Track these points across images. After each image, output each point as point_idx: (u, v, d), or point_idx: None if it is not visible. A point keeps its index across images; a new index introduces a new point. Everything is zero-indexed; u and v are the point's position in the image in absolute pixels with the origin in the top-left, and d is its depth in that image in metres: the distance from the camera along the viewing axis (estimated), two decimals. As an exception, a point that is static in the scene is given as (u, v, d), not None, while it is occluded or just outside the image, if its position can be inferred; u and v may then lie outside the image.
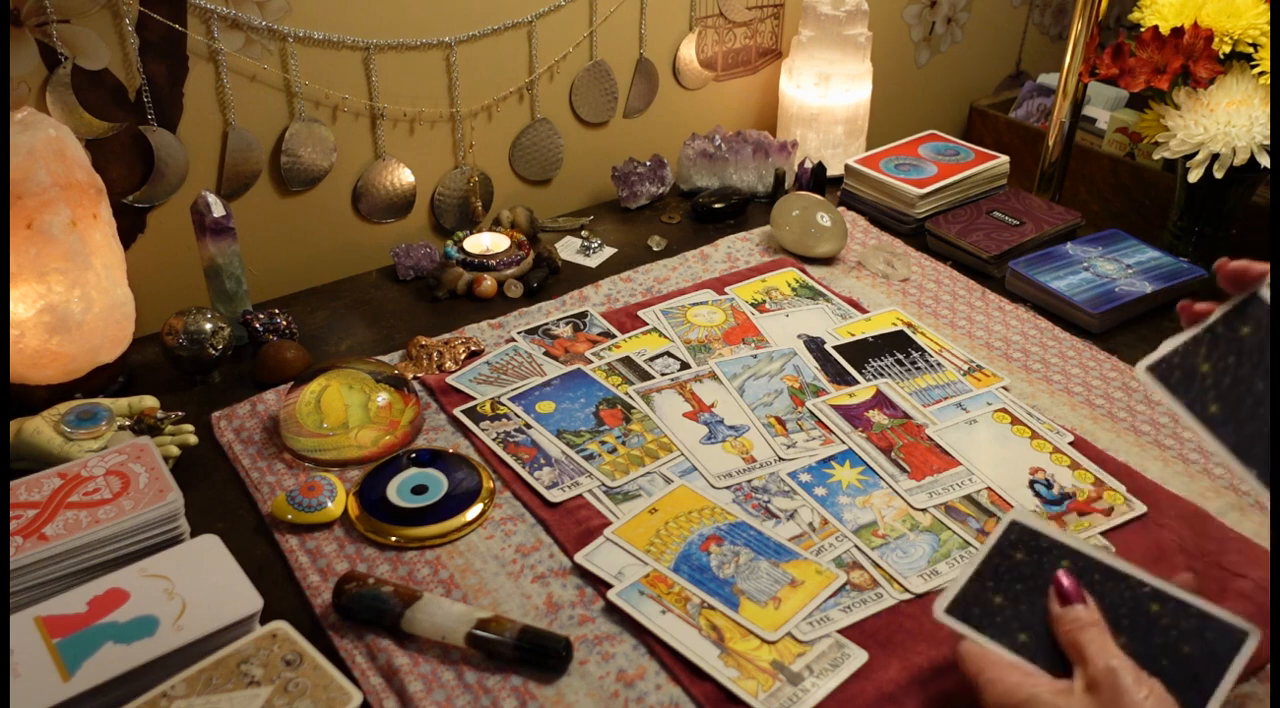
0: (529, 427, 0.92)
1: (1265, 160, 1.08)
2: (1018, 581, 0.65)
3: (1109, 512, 0.83)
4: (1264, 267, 0.62)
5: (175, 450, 0.87)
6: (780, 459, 0.89)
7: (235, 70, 1.06)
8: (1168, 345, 0.64)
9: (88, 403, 0.87)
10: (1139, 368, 0.65)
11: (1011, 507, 0.84)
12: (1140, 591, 0.63)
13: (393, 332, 1.08)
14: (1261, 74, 1.10)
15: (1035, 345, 1.05)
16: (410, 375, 0.98)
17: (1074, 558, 0.65)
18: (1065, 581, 0.63)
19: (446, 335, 1.05)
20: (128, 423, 0.87)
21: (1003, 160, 1.33)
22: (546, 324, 1.07)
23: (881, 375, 0.99)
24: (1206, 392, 0.62)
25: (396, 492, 0.83)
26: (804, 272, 1.17)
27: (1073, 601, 0.62)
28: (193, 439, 0.88)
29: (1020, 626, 0.63)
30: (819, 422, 0.93)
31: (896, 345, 1.04)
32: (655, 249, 1.24)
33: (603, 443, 0.90)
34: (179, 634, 0.66)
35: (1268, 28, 1.10)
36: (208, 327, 0.95)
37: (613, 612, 0.74)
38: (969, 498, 0.85)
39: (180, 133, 1.06)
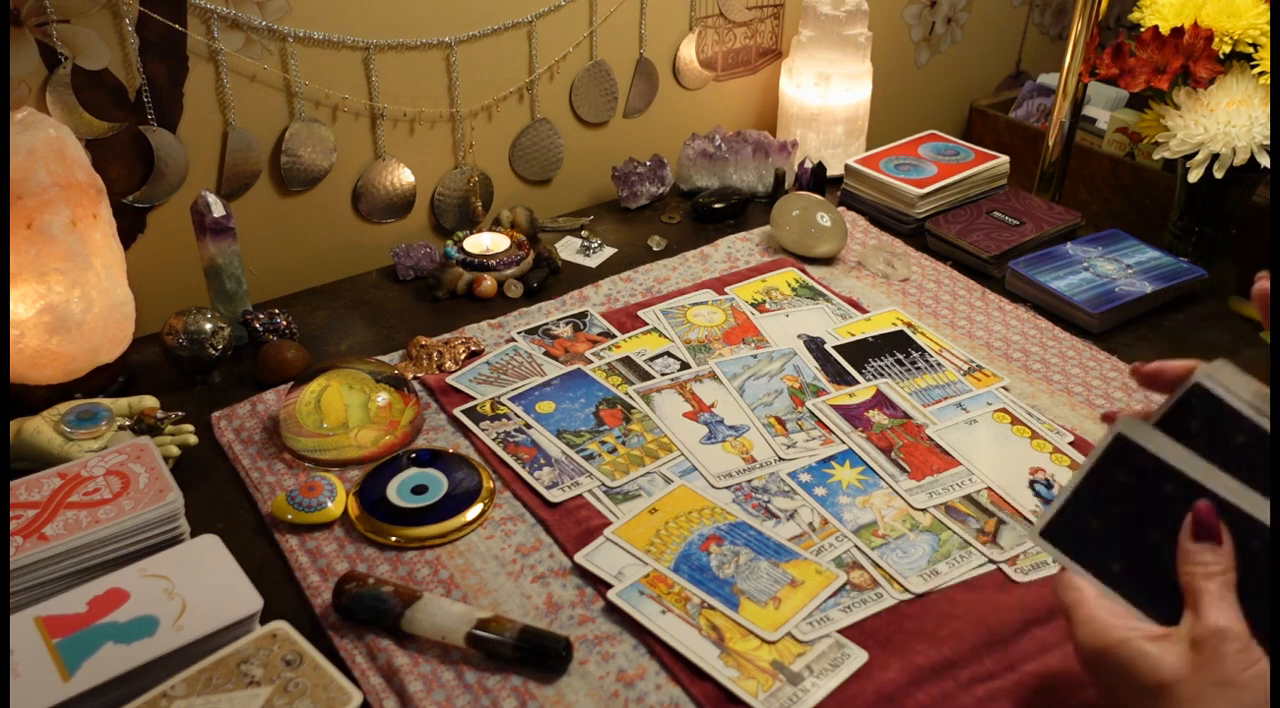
0: (529, 427, 0.92)
1: (1265, 160, 1.08)
2: (1116, 503, 0.59)
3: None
4: (1179, 365, 0.59)
5: (175, 450, 0.87)
6: (780, 459, 0.89)
7: (235, 70, 1.06)
8: (1054, 507, 0.61)
9: (88, 403, 0.87)
10: (1032, 538, 0.61)
11: (1011, 504, 0.84)
12: (1247, 526, 0.56)
13: (393, 332, 1.08)
14: (1261, 74, 1.10)
15: (1035, 345, 1.05)
16: (410, 375, 0.98)
17: (1177, 483, 0.58)
18: (1205, 512, 0.56)
19: (446, 335, 1.05)
20: (128, 423, 0.87)
21: (1003, 160, 1.33)
22: (546, 324, 1.07)
23: (881, 375, 0.99)
24: (1104, 548, 0.59)
25: (396, 492, 0.83)
26: (804, 272, 1.17)
27: (1207, 537, 0.55)
28: (193, 439, 0.88)
29: (1116, 552, 0.58)
30: (819, 422, 0.93)
31: (896, 345, 1.04)
32: (655, 249, 1.24)
33: (603, 443, 0.90)
34: (179, 634, 0.66)
35: (1268, 28, 1.10)
36: (208, 327, 0.95)
37: (613, 612, 0.74)
38: (969, 498, 0.85)
39: (180, 133, 1.06)
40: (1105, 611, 0.57)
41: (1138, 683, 0.55)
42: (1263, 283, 0.58)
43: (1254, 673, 0.52)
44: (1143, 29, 1.16)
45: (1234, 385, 0.58)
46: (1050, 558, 0.60)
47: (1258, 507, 0.56)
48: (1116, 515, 0.59)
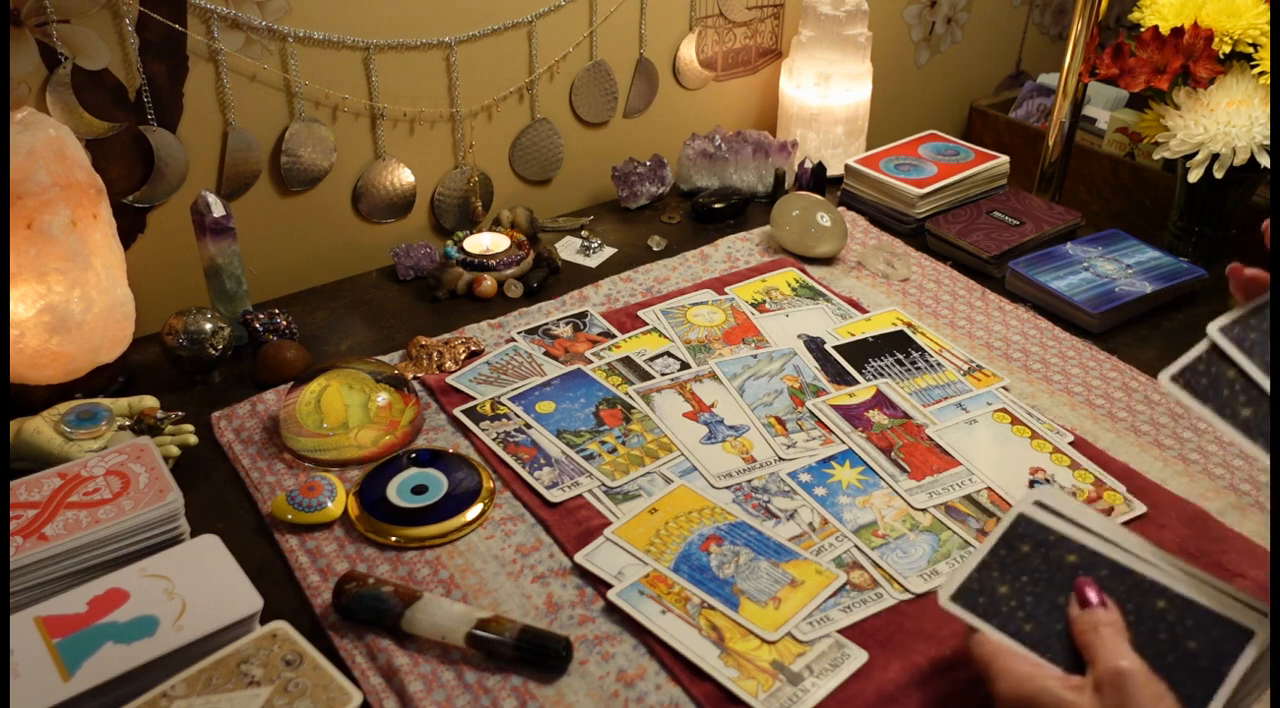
0: (529, 427, 0.92)
1: (1265, 160, 1.08)
2: (1024, 572, 0.65)
3: (1109, 512, 0.83)
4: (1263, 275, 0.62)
5: (175, 450, 0.87)
6: (780, 459, 0.89)
7: (235, 70, 1.06)
8: (961, 572, 0.66)
9: (88, 403, 0.87)
10: (943, 600, 0.66)
11: (1011, 505, 0.84)
12: (1147, 587, 0.63)
13: (393, 332, 1.08)
14: (1261, 74, 1.10)
15: (1035, 345, 1.05)
16: (410, 375, 0.98)
17: (1081, 554, 0.65)
18: (1086, 587, 0.62)
19: (446, 335, 1.05)
20: (128, 423, 0.87)
21: (1003, 160, 1.33)
22: (546, 324, 1.07)
23: (881, 375, 0.99)
24: (1014, 611, 0.64)
25: (396, 492, 0.83)
26: (804, 272, 1.17)
27: (1091, 605, 0.62)
28: (193, 439, 0.88)
29: (1025, 615, 0.63)
30: (819, 422, 0.93)
31: (896, 345, 1.04)
32: (655, 249, 1.24)
33: (603, 443, 0.90)
34: (179, 634, 0.66)
35: (1268, 28, 1.10)
36: (208, 327, 0.95)
37: (613, 612, 0.74)
38: (969, 498, 0.85)
39: (180, 133, 1.06)
40: (1022, 662, 0.61)
41: None
42: (1247, 271, 0.63)
43: (1163, 705, 0.56)
44: (1143, 29, 1.16)
45: (1060, 508, 0.67)
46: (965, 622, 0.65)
47: (1158, 571, 0.63)
48: (1024, 583, 0.65)
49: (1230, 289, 0.64)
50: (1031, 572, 0.65)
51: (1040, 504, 0.68)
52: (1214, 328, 0.64)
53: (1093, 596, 0.62)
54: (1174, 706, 0.56)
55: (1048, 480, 0.86)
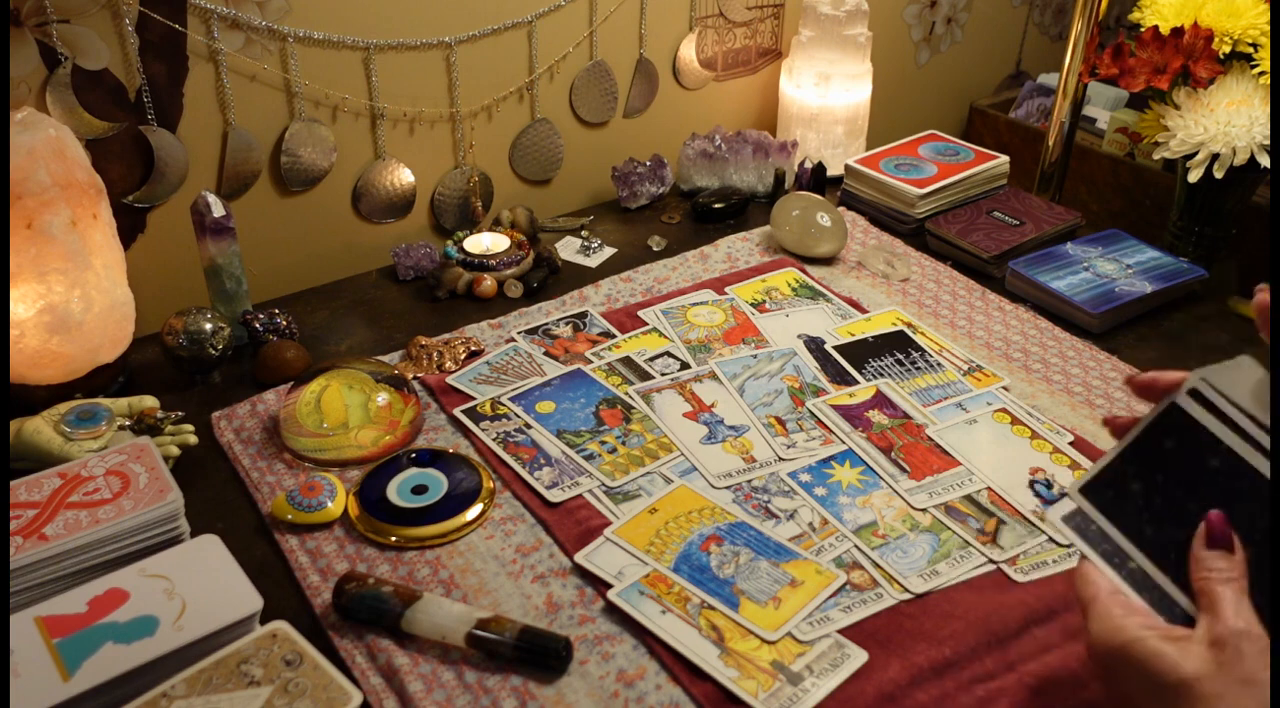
0: (529, 427, 0.92)
1: (1265, 160, 1.08)
2: (1160, 470, 0.60)
3: (1109, 512, 0.83)
4: (1173, 376, 0.60)
5: (175, 450, 0.87)
6: (780, 459, 0.89)
7: (235, 70, 1.06)
8: (1099, 465, 0.62)
9: (88, 403, 0.87)
10: (1071, 492, 0.62)
11: (1011, 505, 0.84)
12: None
13: (393, 332, 1.08)
14: (1261, 74, 1.10)
15: (1035, 345, 1.05)
16: (410, 375, 0.98)
17: (1224, 458, 0.58)
18: (1217, 522, 0.57)
19: (446, 335, 1.05)
20: (128, 423, 0.87)
21: (1003, 160, 1.33)
22: (546, 324, 1.07)
23: (881, 375, 0.99)
24: (1140, 511, 0.60)
25: (396, 492, 0.83)
26: (804, 272, 1.17)
27: (1219, 545, 0.56)
28: (193, 439, 0.88)
29: (1150, 517, 0.59)
30: (819, 422, 0.93)
31: (896, 345, 1.04)
32: (655, 249, 1.24)
33: (603, 443, 0.90)
34: (179, 634, 0.66)
35: (1268, 28, 1.10)
36: (208, 327, 0.95)
37: (613, 612, 0.74)
38: (969, 498, 0.85)
39: (180, 133, 1.06)
40: (1121, 606, 0.57)
41: (1155, 680, 0.55)
42: (1263, 295, 0.58)
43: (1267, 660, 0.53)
44: (1143, 29, 1.16)
45: (1226, 392, 0.59)
46: (1066, 541, 0.61)
47: None
48: (1159, 482, 0.60)
49: (1135, 394, 0.62)
50: (1168, 470, 0.59)
51: (1197, 394, 0.60)
52: (1073, 490, 0.62)
53: (1219, 528, 0.56)
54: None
55: (1048, 481, 0.86)
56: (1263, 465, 0.57)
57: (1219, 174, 1.10)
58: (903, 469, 0.87)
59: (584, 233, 1.26)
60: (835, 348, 1.03)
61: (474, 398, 0.96)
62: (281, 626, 0.67)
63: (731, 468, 0.87)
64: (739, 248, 1.23)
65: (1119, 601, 0.58)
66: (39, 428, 0.84)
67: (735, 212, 1.30)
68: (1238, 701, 0.53)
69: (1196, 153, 1.11)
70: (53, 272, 0.87)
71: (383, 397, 0.90)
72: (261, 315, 1.01)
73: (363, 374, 0.91)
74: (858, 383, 0.98)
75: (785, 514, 0.83)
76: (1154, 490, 0.60)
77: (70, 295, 0.88)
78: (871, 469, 0.87)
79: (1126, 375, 0.62)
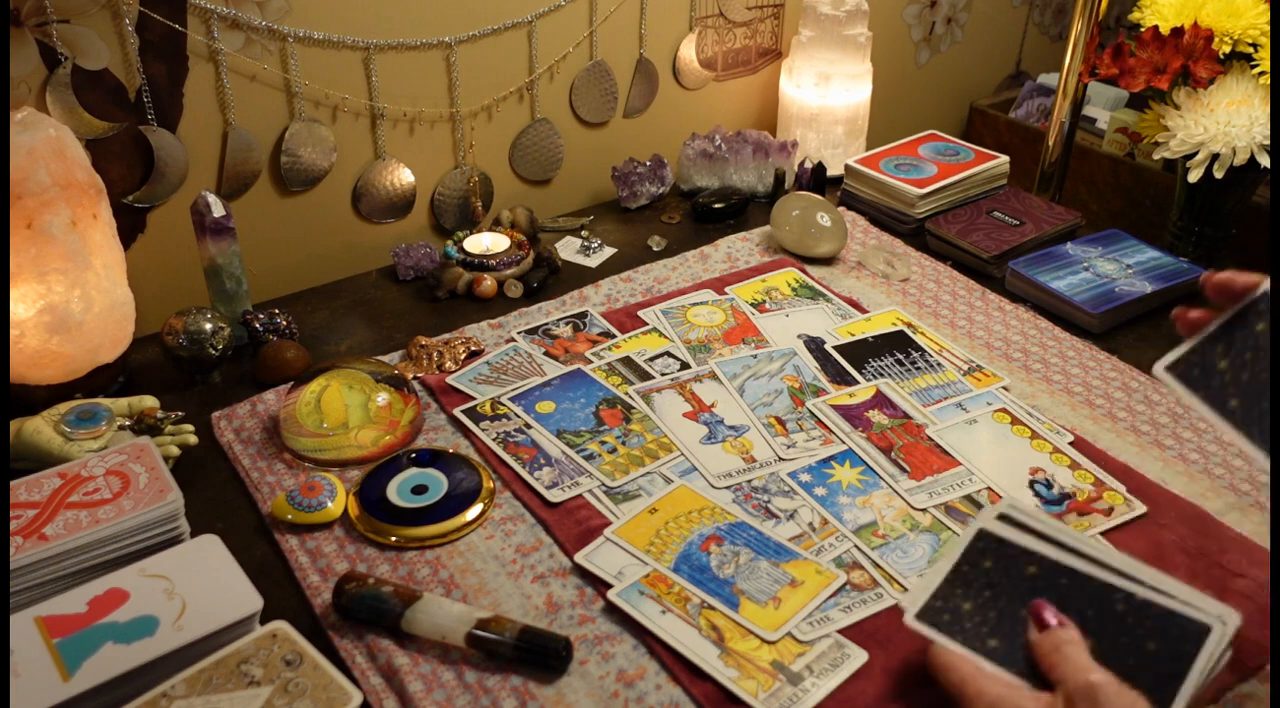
0: (529, 427, 0.92)
1: (1265, 160, 1.08)
2: (986, 587, 0.66)
3: (1109, 512, 0.83)
4: (1249, 278, 0.64)
5: (175, 450, 0.87)
6: (780, 459, 0.89)
7: (235, 70, 1.06)
8: (1186, 345, 0.66)
9: (88, 403, 0.87)
10: (1158, 368, 0.66)
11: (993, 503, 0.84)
12: (1105, 592, 0.64)
13: (393, 332, 1.08)
14: (1261, 74, 1.10)
15: (1035, 345, 1.05)
16: (410, 375, 0.98)
17: (1040, 564, 0.66)
18: (1041, 609, 0.63)
19: (446, 335, 1.05)
20: (128, 423, 0.87)
21: (1003, 160, 1.33)
22: (546, 324, 1.07)
23: (881, 375, 0.99)
24: (1226, 387, 0.63)
25: (396, 492, 0.83)
26: (804, 272, 1.17)
27: (1049, 625, 0.62)
28: (193, 439, 0.88)
29: (990, 631, 0.64)
30: (819, 422, 0.93)
31: (896, 345, 1.04)
32: (655, 249, 1.24)
33: (603, 443, 0.90)
34: (179, 634, 0.66)
35: (1268, 28, 1.10)
36: (208, 327, 0.95)
37: (613, 612, 0.74)
38: (969, 498, 0.85)
39: (180, 133, 1.06)
40: (994, 682, 0.61)
41: None
42: (1218, 275, 0.65)
43: None
44: (1143, 29, 1.16)
45: (1020, 519, 0.68)
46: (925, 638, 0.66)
47: (1115, 575, 0.64)
48: (987, 598, 0.65)
49: (1207, 295, 0.66)
50: (994, 586, 0.66)
51: (1002, 517, 0.69)
52: (1160, 368, 0.66)
53: (1050, 617, 0.62)
54: None
55: (1048, 481, 0.86)
56: (1076, 562, 0.65)
57: (1219, 174, 1.10)
58: (903, 469, 0.87)
59: (584, 233, 1.26)
60: (835, 348, 1.03)
61: (474, 398, 0.96)
62: (281, 626, 0.67)
63: (731, 468, 0.87)
64: (739, 248, 1.23)
65: (988, 675, 0.61)
66: (39, 428, 0.84)
67: (735, 212, 1.30)
68: None
69: (1196, 153, 1.11)
70: (53, 272, 0.87)
71: (383, 397, 0.90)
72: (261, 315, 1.01)
73: (363, 374, 0.91)
74: (858, 383, 0.98)
75: (785, 514, 0.83)
76: (986, 606, 0.65)
77: (70, 295, 0.88)
78: (871, 469, 0.87)
79: (1204, 275, 0.67)
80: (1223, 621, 0.61)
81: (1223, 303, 0.66)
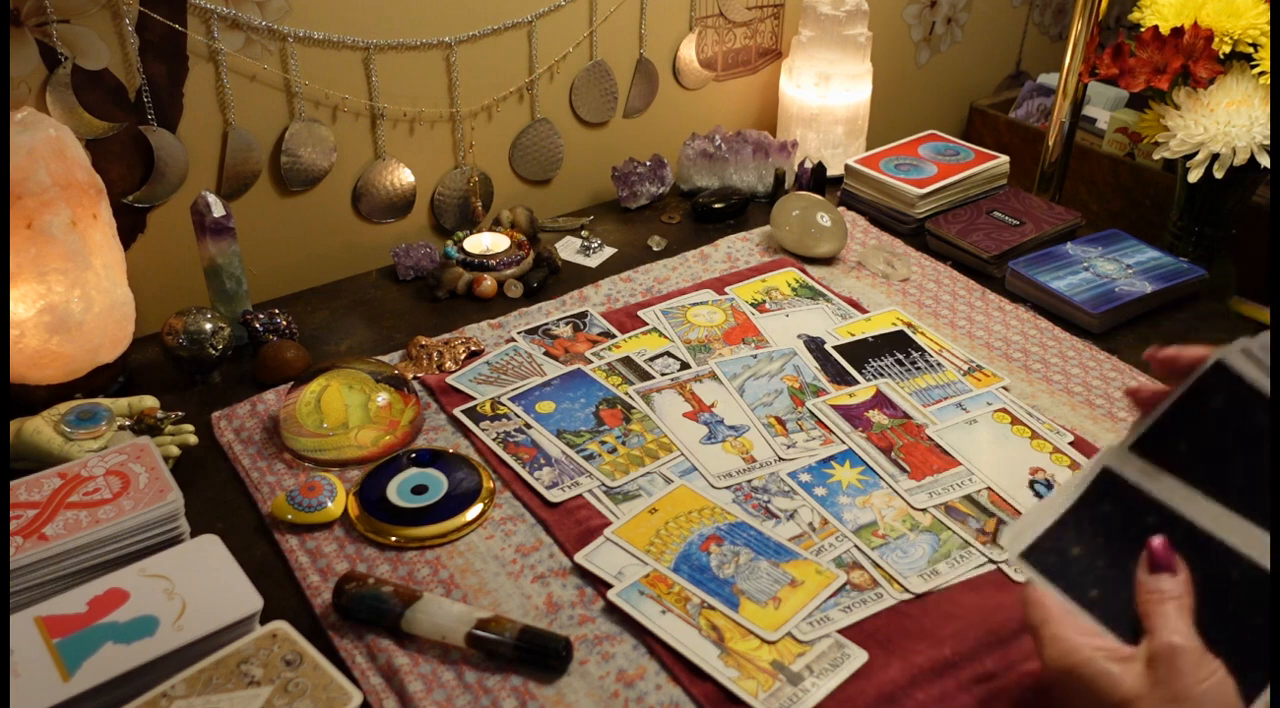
0: (529, 427, 0.92)
1: (1265, 160, 1.08)
2: (1100, 533, 0.61)
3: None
4: (1195, 352, 0.60)
5: (175, 450, 0.87)
6: (780, 459, 0.89)
7: (235, 70, 1.06)
8: (1036, 529, 0.63)
9: (88, 403, 0.87)
10: (1012, 555, 0.63)
11: (1011, 505, 0.84)
12: (1222, 556, 0.58)
13: (393, 332, 1.08)
14: (1261, 74, 1.10)
15: (1035, 345, 1.05)
16: (410, 375, 0.98)
17: (1162, 515, 0.60)
18: (1158, 547, 0.58)
19: (446, 335, 1.05)
20: (128, 423, 0.87)
21: (1003, 160, 1.33)
22: (546, 324, 1.07)
23: (881, 375, 0.99)
24: (1083, 575, 0.61)
25: (396, 492, 0.83)
26: (804, 272, 1.17)
27: (1162, 569, 0.58)
28: (193, 439, 0.88)
29: (1094, 580, 0.60)
30: (819, 422, 0.93)
31: (896, 345, 1.04)
32: (655, 249, 1.24)
33: (603, 443, 0.90)
34: (179, 634, 0.66)
35: (1268, 28, 1.10)
36: (208, 327, 0.95)
37: (613, 612, 0.74)
38: (969, 498, 0.85)
39: (180, 133, 1.06)
40: (1072, 629, 0.58)
41: (1102, 701, 0.56)
42: (1162, 352, 0.61)
43: (1208, 686, 0.54)
44: (1143, 29, 1.16)
45: (1258, 365, 0.59)
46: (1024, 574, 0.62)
47: (1240, 537, 0.58)
48: (1099, 545, 0.61)
49: (1154, 373, 0.62)
50: (1108, 532, 0.61)
51: (1128, 455, 0.62)
52: (1014, 556, 0.63)
53: (1160, 553, 0.58)
54: (1224, 684, 0.54)
55: (1048, 481, 0.86)
56: (1200, 516, 0.59)
57: (1219, 174, 1.10)
58: (903, 469, 0.87)
59: (584, 233, 1.26)
60: (835, 348, 1.03)
61: (474, 398, 0.96)
62: (281, 626, 0.67)
63: (731, 468, 0.87)
64: (739, 248, 1.23)
65: (1070, 622, 0.59)
66: (39, 428, 0.84)
67: (735, 212, 1.30)
68: None
69: (1196, 153, 1.11)
70: (53, 272, 0.87)
71: (383, 397, 0.90)
72: (261, 315, 1.01)
73: (363, 374, 0.91)
74: (858, 383, 0.98)
75: (785, 514, 0.83)
76: (1096, 553, 0.61)
77: (70, 295, 0.88)
78: (871, 469, 0.87)
79: (1148, 351, 0.63)
80: None
81: (1168, 380, 0.62)
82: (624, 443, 0.90)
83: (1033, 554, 0.62)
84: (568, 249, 1.23)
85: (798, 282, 1.15)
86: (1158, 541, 0.59)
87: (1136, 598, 0.58)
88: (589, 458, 0.88)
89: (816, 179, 1.32)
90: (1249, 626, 0.56)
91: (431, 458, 0.87)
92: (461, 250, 1.15)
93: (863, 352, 1.03)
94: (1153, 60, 1.14)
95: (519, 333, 1.05)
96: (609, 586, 0.75)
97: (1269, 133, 1.08)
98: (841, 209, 1.31)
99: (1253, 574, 0.57)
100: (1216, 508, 0.59)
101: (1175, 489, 0.60)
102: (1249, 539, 0.58)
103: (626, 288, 1.14)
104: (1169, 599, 0.57)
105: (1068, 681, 0.57)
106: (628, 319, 1.08)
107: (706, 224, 1.30)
